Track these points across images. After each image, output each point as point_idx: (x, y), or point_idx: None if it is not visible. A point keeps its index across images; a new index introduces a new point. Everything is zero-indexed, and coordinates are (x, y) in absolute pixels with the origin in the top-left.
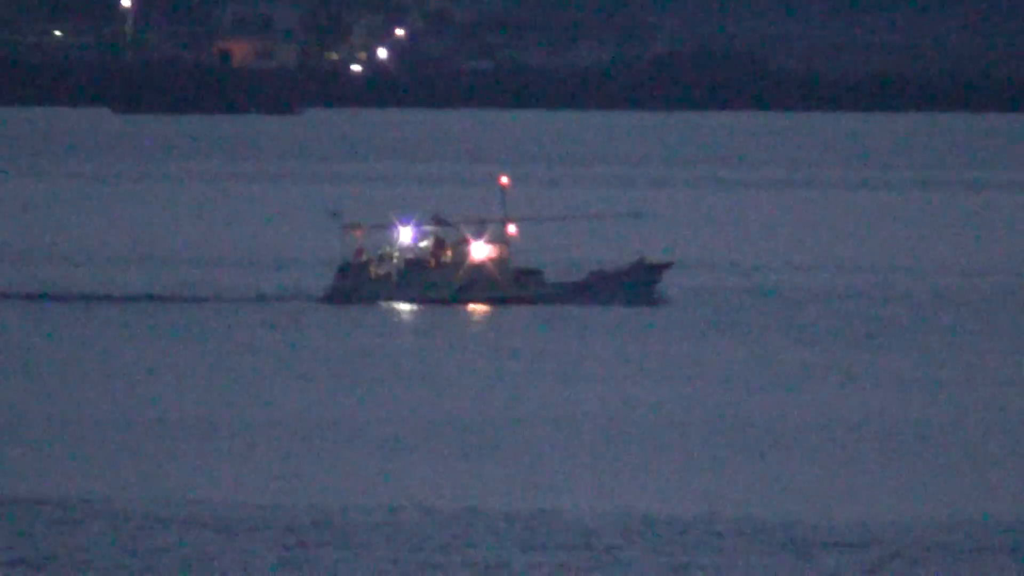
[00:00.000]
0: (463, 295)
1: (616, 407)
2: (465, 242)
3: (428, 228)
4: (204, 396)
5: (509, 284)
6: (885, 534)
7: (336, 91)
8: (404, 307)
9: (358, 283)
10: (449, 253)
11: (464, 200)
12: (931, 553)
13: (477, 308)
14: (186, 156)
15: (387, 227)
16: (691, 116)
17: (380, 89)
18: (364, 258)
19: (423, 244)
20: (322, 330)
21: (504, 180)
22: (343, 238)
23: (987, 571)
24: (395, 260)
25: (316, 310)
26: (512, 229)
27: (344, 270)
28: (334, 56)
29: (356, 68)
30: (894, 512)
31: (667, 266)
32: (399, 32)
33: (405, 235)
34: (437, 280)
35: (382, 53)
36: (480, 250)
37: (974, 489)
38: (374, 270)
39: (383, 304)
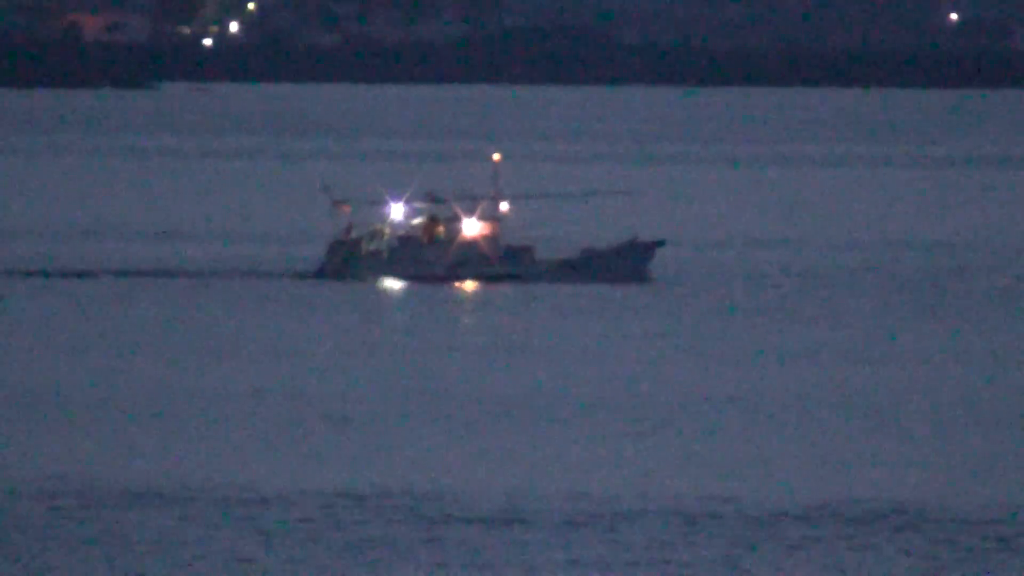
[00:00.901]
0: (455, 272)
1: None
2: (457, 219)
3: (420, 205)
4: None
5: (501, 261)
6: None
7: (188, 65)
8: (396, 283)
9: (350, 259)
10: (441, 230)
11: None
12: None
13: (468, 285)
14: (40, 130)
15: (378, 203)
16: (543, 90)
17: (231, 63)
18: (353, 234)
19: (415, 221)
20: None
21: (496, 157)
22: (332, 214)
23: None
24: (386, 236)
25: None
26: (504, 206)
27: (335, 246)
28: (186, 30)
29: (207, 42)
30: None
31: (659, 244)
32: (251, 6)
33: (396, 211)
34: (429, 257)
35: (233, 27)
36: (472, 227)
37: None
38: (365, 246)
39: (375, 280)
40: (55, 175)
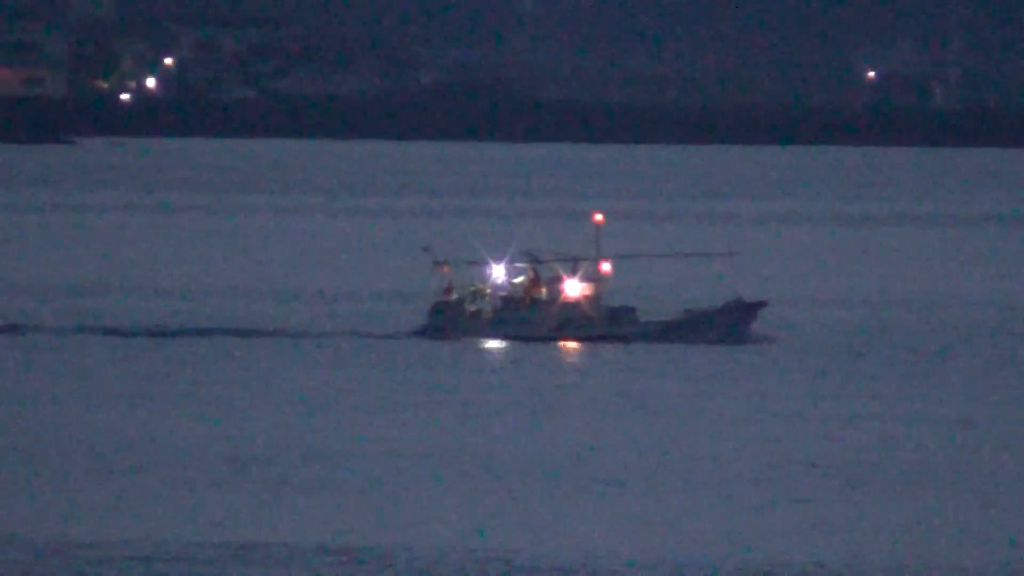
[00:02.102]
0: (557, 333)
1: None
2: (559, 279)
3: (521, 265)
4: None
5: (603, 322)
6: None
7: (106, 120)
8: (500, 344)
9: (453, 320)
10: (543, 290)
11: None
12: None
13: (571, 345)
14: None
15: (479, 264)
16: (461, 147)
17: (148, 118)
18: (454, 295)
19: (516, 281)
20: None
21: (599, 217)
22: (434, 274)
23: None
24: (487, 297)
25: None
26: (606, 267)
27: (439, 307)
28: (103, 85)
29: (125, 97)
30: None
31: (762, 305)
32: (168, 61)
33: (498, 272)
34: (531, 317)
35: (151, 82)
36: (573, 287)
37: None
38: (468, 307)
39: (478, 340)
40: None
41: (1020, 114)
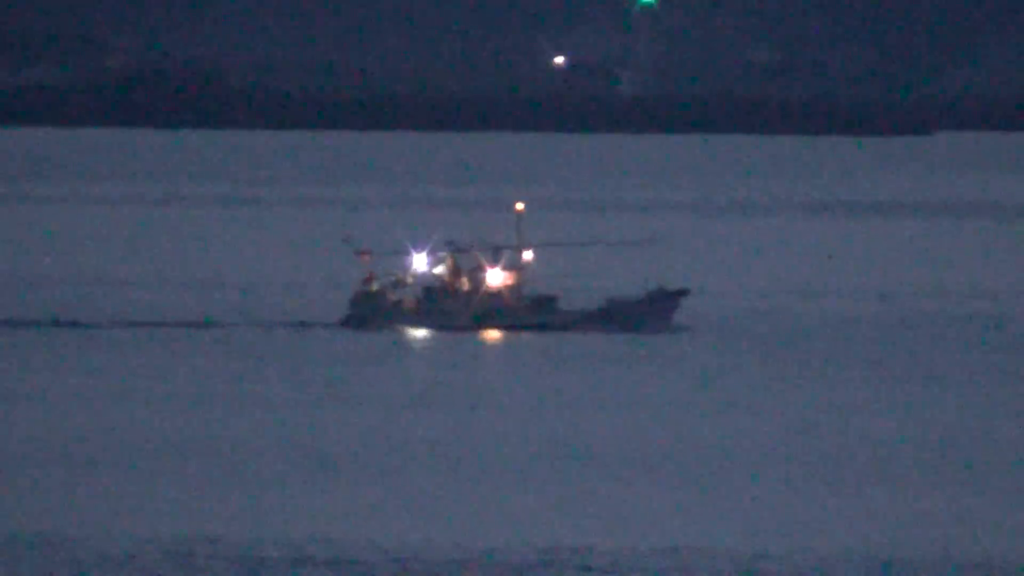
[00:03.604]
0: (480, 322)
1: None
2: (481, 269)
3: (442, 254)
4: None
5: (525, 311)
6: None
7: None
8: (421, 333)
9: (375, 309)
10: (464, 280)
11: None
12: None
13: (493, 335)
14: None
15: (400, 253)
16: (148, 133)
17: None
18: (374, 284)
19: (437, 271)
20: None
21: (519, 206)
22: (356, 263)
23: None
24: (410, 286)
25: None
26: (527, 255)
27: (359, 296)
28: None
29: None
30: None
31: (684, 293)
32: None
33: (419, 261)
34: (454, 307)
35: None
36: (496, 277)
37: None
38: (390, 296)
39: (400, 330)
40: None
41: (713, 100)
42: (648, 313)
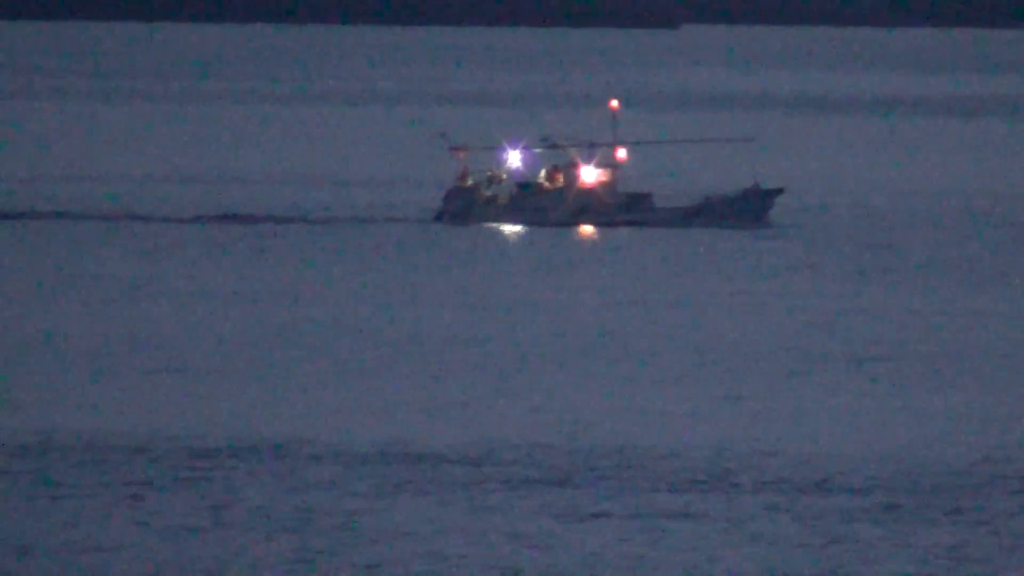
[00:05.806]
0: (573, 219)
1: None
2: (575, 166)
3: (537, 151)
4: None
5: (619, 208)
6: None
7: None
8: (514, 229)
9: (468, 205)
10: (559, 177)
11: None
12: None
13: (587, 231)
14: None
15: (494, 149)
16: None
17: None
18: (469, 181)
19: (540, 174)
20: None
21: (614, 104)
22: (451, 159)
23: None
24: (503, 183)
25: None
26: (621, 153)
27: (453, 192)
28: None
29: None
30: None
31: (779, 192)
32: None
33: (513, 158)
34: (547, 204)
35: None
36: (590, 174)
37: None
38: (484, 192)
39: (493, 226)
40: None
41: None
42: (742, 211)
